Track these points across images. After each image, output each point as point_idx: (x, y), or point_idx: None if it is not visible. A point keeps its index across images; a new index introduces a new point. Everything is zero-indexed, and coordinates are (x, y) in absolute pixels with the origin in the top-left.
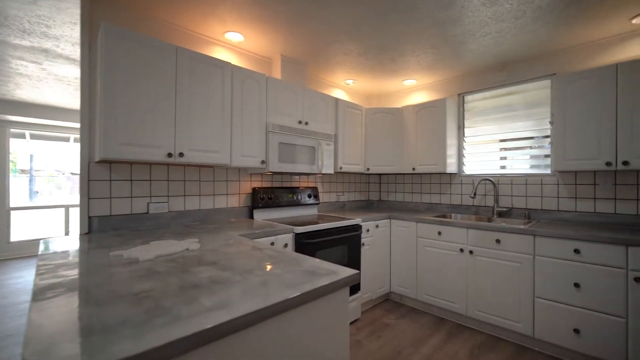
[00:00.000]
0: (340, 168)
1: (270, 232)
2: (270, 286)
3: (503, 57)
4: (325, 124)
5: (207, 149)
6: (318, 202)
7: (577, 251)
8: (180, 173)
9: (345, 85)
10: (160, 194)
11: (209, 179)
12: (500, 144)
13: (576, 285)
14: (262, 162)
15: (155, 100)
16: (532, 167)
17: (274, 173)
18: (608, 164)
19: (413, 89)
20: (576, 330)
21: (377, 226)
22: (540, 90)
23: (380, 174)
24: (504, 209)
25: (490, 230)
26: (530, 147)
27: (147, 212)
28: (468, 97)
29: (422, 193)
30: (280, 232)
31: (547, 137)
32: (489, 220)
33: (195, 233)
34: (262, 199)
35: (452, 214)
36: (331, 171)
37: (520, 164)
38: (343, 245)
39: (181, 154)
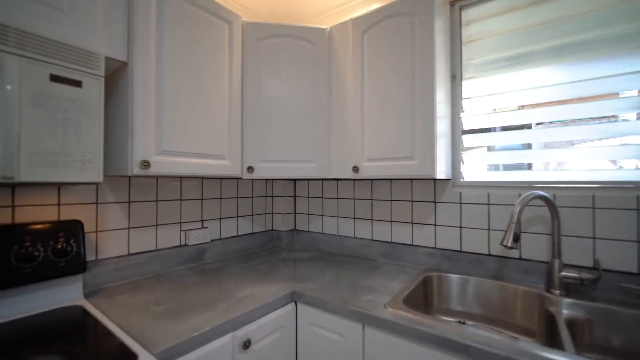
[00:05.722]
0: (145, 165)
1: None
2: None
3: None
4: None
5: None
6: (82, 266)
7: None
8: None
9: None
10: None
11: None
12: (541, 113)
13: None
14: None
15: None
16: (620, 162)
17: None
18: None
19: (352, 4)
20: None
21: (246, 345)
22: None
23: (283, 179)
24: (583, 275)
25: None
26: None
27: None
28: (471, 11)
29: (379, 220)
30: None
31: None
32: (551, 304)
33: None
34: None
35: (455, 275)
36: (95, 177)
37: (593, 158)
38: None
39: None
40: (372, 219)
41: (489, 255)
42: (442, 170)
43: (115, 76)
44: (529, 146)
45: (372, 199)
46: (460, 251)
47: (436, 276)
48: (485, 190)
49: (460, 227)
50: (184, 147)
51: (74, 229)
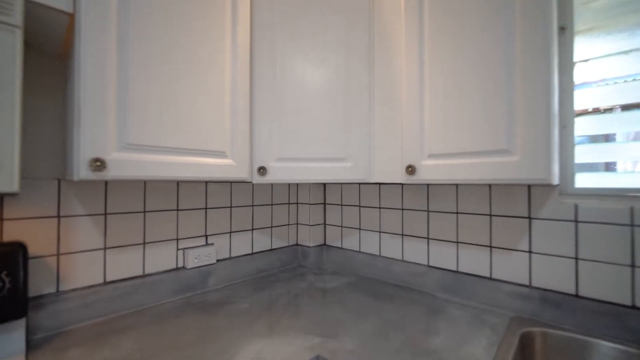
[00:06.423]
0: (98, 165)
1: None
2: None
3: None
4: None
5: None
6: (21, 309)
7: None
8: None
9: None
10: None
11: None
12: None
13: None
14: None
15: None
16: None
17: None
18: None
19: None
20: None
21: None
22: None
23: (310, 184)
24: None
25: None
26: None
27: None
28: None
29: (439, 240)
30: None
31: None
32: None
33: None
34: None
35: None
36: (4, 185)
37: None
38: None
39: None
40: (428, 238)
41: (633, 307)
42: (554, 168)
43: (69, 43)
44: (606, 138)
45: (428, 210)
46: (577, 296)
47: (540, 333)
48: (626, 203)
49: (576, 259)
50: (162, 140)
51: (9, 256)
